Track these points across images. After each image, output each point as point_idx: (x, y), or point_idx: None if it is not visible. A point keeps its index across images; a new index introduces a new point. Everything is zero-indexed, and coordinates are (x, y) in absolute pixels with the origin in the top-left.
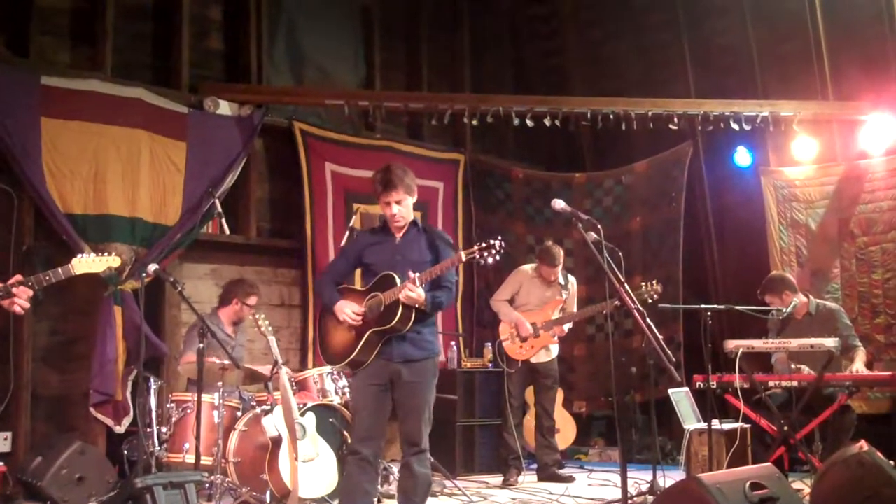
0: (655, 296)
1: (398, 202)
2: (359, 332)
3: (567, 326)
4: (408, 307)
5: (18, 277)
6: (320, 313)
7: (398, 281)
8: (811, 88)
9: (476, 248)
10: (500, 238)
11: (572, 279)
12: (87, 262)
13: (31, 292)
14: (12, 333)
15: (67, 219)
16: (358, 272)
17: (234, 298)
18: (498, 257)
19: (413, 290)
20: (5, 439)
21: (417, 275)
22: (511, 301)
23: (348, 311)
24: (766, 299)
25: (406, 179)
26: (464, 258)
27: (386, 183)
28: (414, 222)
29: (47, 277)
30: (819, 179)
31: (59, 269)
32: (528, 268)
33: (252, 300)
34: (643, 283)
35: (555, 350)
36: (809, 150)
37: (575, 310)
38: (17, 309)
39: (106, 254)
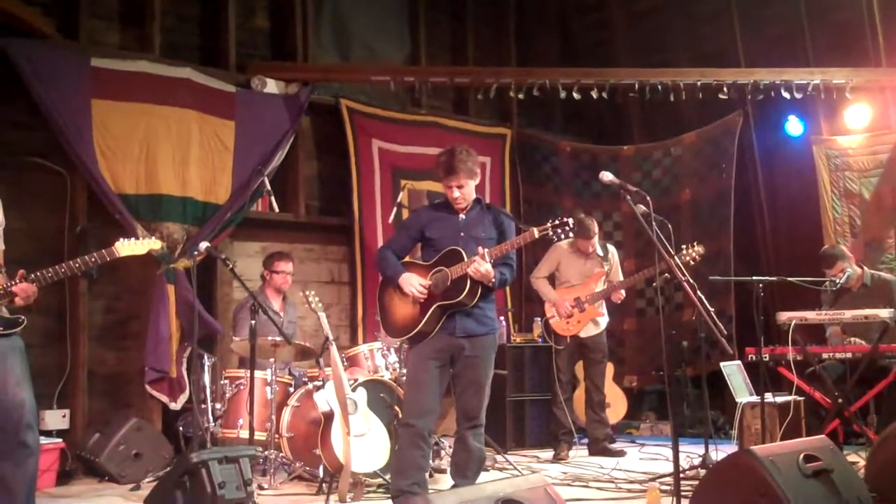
0: (697, 258)
1: (460, 187)
2: (423, 306)
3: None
4: (475, 282)
5: (22, 273)
6: (380, 286)
7: (465, 256)
8: (863, 55)
9: (549, 224)
10: (571, 217)
11: (612, 248)
12: (129, 245)
13: (34, 288)
14: (69, 313)
15: (120, 199)
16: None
17: (264, 272)
18: (571, 235)
19: (482, 265)
20: (63, 416)
21: (487, 250)
22: (553, 278)
23: (415, 282)
24: (825, 273)
25: (469, 163)
26: (536, 235)
27: (449, 168)
28: (477, 199)
29: (93, 259)
30: (872, 148)
31: (104, 251)
32: (564, 243)
33: (279, 265)
34: (683, 246)
35: (603, 322)
36: (862, 118)
37: (620, 278)
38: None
39: (149, 237)
